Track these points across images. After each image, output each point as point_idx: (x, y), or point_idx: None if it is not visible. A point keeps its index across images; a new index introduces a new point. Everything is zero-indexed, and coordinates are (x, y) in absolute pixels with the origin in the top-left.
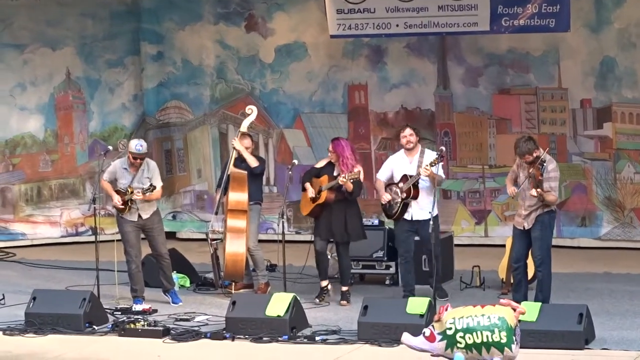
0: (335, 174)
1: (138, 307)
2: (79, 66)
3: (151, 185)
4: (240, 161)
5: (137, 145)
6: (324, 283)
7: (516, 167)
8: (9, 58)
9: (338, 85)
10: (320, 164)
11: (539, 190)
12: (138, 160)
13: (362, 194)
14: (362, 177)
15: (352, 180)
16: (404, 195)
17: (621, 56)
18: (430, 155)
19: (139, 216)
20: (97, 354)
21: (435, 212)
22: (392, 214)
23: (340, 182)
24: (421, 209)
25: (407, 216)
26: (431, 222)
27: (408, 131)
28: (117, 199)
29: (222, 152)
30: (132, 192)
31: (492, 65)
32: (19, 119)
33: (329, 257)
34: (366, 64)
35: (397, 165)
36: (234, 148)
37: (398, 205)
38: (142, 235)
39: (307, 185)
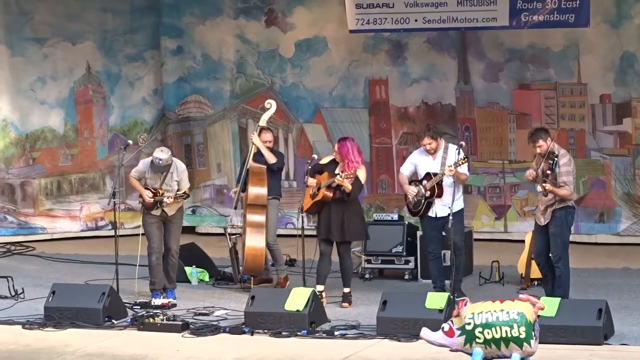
0: (336, 172)
1: (157, 302)
2: (99, 60)
3: (185, 192)
4: (260, 155)
5: (157, 159)
6: (320, 287)
7: (535, 163)
8: (29, 52)
9: (359, 80)
10: (325, 160)
11: (544, 185)
12: (159, 173)
13: (383, 189)
14: (363, 177)
15: (350, 180)
16: (428, 193)
17: None
18: (454, 151)
19: (163, 211)
20: (116, 348)
21: (460, 207)
22: (416, 211)
23: (337, 182)
24: (444, 206)
25: (431, 213)
26: (450, 217)
27: (426, 140)
28: (147, 194)
29: (241, 146)
30: (162, 195)
31: (513, 60)
32: (39, 113)
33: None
34: (387, 58)
35: (420, 162)
36: (253, 143)
37: (422, 203)
38: None
39: (310, 179)
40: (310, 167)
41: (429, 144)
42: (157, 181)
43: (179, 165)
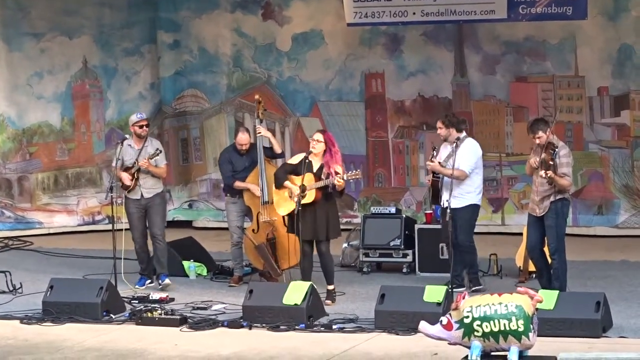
0: (315, 169)
1: (155, 296)
2: (96, 55)
3: (157, 149)
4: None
5: (137, 114)
6: None
7: (532, 154)
8: (26, 47)
9: (355, 73)
10: (294, 159)
11: (548, 172)
12: (144, 128)
13: (379, 182)
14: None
15: (354, 179)
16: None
17: (639, 44)
18: (465, 143)
19: (142, 195)
20: (115, 342)
21: (464, 204)
22: (428, 197)
23: (338, 184)
24: (452, 197)
25: (441, 203)
26: (448, 210)
27: (438, 123)
28: (125, 176)
29: None
30: (138, 165)
31: (509, 53)
32: (36, 108)
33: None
34: (383, 52)
35: (442, 151)
36: (262, 135)
37: (430, 190)
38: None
39: (288, 183)
40: (278, 168)
41: (440, 128)
42: (133, 157)
43: (154, 140)
